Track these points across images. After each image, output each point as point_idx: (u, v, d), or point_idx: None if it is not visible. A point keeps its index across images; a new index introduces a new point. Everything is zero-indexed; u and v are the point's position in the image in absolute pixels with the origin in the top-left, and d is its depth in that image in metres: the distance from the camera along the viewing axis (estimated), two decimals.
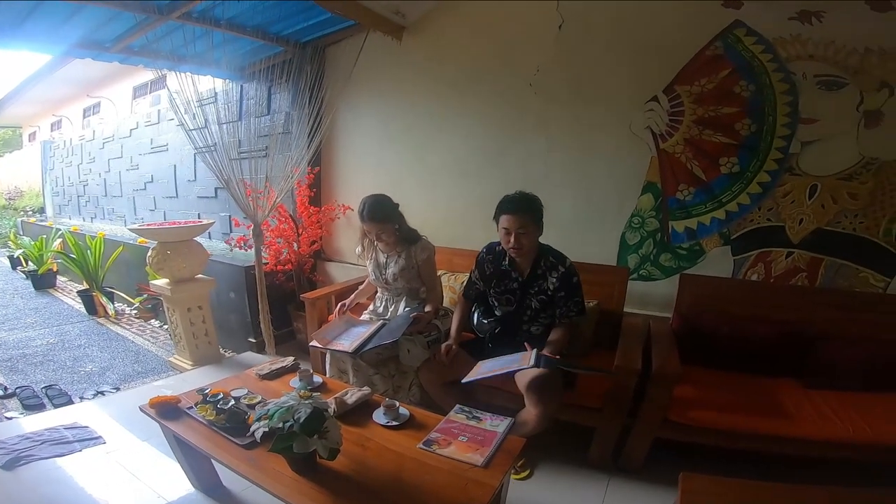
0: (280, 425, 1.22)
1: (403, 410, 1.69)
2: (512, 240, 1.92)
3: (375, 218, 2.23)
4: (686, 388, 1.91)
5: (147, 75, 6.49)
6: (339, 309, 2.46)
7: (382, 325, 2.26)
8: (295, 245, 3.38)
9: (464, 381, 1.85)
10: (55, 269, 6.20)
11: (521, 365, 1.75)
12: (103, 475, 1.97)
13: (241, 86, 3.98)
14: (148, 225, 3.35)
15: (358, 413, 1.69)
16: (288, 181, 3.14)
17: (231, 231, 4.07)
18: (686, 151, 2.40)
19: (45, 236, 6.21)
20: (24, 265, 6.65)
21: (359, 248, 2.51)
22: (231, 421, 1.53)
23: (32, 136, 11.27)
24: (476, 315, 2.26)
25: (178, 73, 2.97)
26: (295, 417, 1.22)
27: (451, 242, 2.91)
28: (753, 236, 2.35)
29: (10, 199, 10.97)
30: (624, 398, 1.90)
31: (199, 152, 3.08)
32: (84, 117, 8.81)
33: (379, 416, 1.66)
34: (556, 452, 2.11)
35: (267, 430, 1.25)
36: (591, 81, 2.57)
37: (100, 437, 2.19)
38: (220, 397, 1.64)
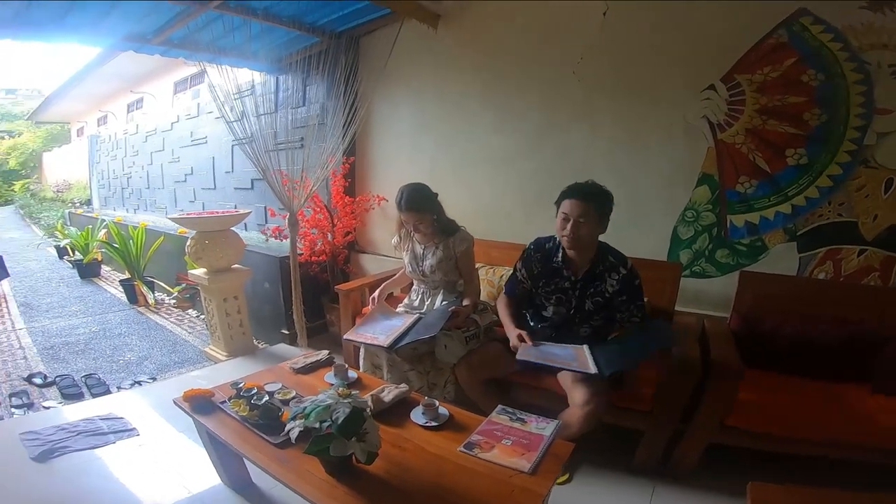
0: (316, 425, 1.16)
1: (443, 410, 1.60)
2: (568, 227, 1.77)
3: (413, 207, 2.16)
4: (746, 392, 1.76)
5: (187, 71, 6.67)
6: (373, 298, 2.41)
7: (418, 320, 2.18)
8: (329, 236, 3.35)
9: (519, 356, 1.79)
10: (100, 259, 6.42)
11: (577, 365, 1.69)
12: (135, 467, 1.97)
13: (277, 78, 3.99)
14: (188, 214, 3.39)
15: (395, 412, 1.61)
16: (323, 171, 3.12)
17: (266, 221, 4.10)
18: (748, 142, 2.22)
19: (90, 227, 6.43)
20: (71, 255, 6.92)
21: (395, 239, 2.44)
22: (264, 417, 1.48)
23: (80, 132, 11.77)
24: (527, 318, 2.12)
25: (217, 65, 3.01)
26: (333, 418, 1.15)
27: (489, 235, 2.81)
28: (822, 232, 2.15)
29: (58, 191, 11.48)
30: (678, 400, 1.77)
31: (238, 143, 3.11)
32: (128, 112, 9.13)
33: (417, 415, 1.58)
34: (598, 455, 1.99)
35: (302, 429, 1.19)
36: (639, 69, 2.42)
37: (134, 428, 2.20)
38: (253, 392, 1.59)
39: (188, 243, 3.18)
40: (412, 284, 2.48)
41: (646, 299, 2.16)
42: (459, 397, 2.10)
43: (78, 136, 11.95)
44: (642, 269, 2.18)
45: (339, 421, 1.15)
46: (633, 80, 2.44)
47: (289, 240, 2.99)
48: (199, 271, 3.17)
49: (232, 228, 3.25)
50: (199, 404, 1.65)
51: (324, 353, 2.06)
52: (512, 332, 1.95)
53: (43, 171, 14.03)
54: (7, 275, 5.58)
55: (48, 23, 2.87)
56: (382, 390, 1.68)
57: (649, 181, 2.44)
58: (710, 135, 2.29)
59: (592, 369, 1.65)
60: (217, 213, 3.35)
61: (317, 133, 3.33)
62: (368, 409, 1.24)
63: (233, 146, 4.62)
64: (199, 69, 5.13)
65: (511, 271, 2.14)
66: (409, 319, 2.18)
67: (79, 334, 3.97)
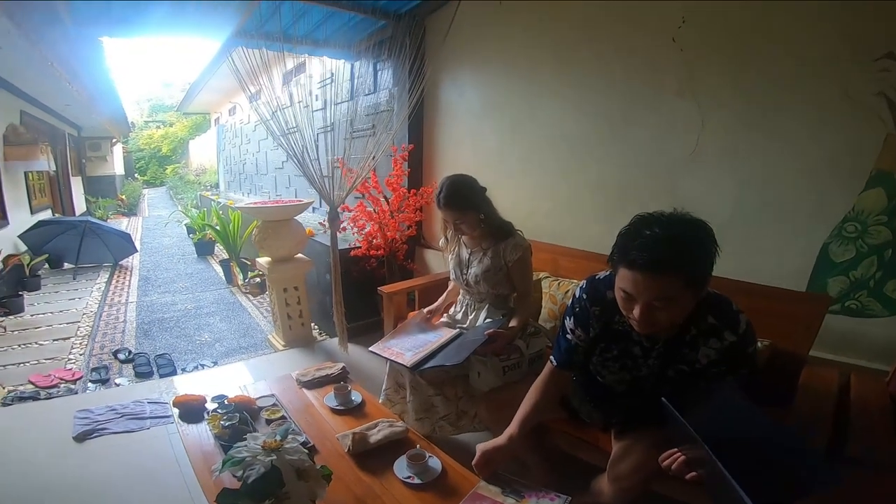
0: (238, 473, 0.90)
1: (434, 462, 1.29)
2: (636, 313, 1.07)
3: (454, 204, 1.81)
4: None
5: (290, 63, 6.94)
6: (417, 313, 2.12)
7: (456, 337, 1.84)
8: (386, 230, 3.12)
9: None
10: (213, 239, 7.01)
11: None
12: (152, 456, 1.94)
13: (352, 65, 3.88)
14: (254, 203, 3.40)
15: (382, 455, 1.33)
16: (386, 160, 2.91)
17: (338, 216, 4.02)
18: None
19: (206, 209, 7.04)
20: (196, 234, 7.70)
21: (442, 240, 2.11)
22: (233, 440, 1.26)
23: (216, 121, 13.14)
24: (576, 398, 1.48)
25: (294, 55, 2.94)
26: (244, 475, 0.89)
27: (557, 238, 2.34)
28: None
29: (196, 175, 13.00)
30: None
31: (322, 132, 3.08)
32: (250, 103, 9.88)
33: (401, 466, 1.28)
34: None
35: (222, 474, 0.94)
36: (768, 31, 1.75)
37: (170, 415, 2.16)
38: (230, 409, 1.40)
39: (254, 231, 3.18)
40: (460, 292, 2.13)
41: (768, 341, 1.58)
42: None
43: (215, 125, 13.39)
44: (767, 300, 1.60)
45: (250, 480, 0.89)
46: (757, 48, 1.77)
47: (329, 233, 2.81)
48: (263, 259, 3.16)
49: (296, 218, 3.19)
50: (189, 411, 1.52)
51: (338, 366, 1.83)
52: (500, 439, 1.27)
53: (189, 157, 16.06)
54: (135, 250, 6.35)
55: (167, 20, 2.99)
56: (373, 426, 1.41)
57: (787, 179, 1.76)
58: (891, 118, 1.56)
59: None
60: (280, 202, 3.30)
61: (383, 120, 3.14)
62: (297, 468, 0.93)
63: (317, 135, 4.65)
64: (297, 62, 5.37)
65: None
66: (445, 336, 1.85)
67: (175, 311, 4.27)
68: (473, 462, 1.25)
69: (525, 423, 1.29)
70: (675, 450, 1.06)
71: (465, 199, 1.82)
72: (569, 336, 1.34)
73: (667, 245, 0.99)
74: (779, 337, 1.60)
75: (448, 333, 1.87)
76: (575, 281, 2.11)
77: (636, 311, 1.07)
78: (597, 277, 1.29)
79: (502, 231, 1.89)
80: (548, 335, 1.90)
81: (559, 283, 2.14)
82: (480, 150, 2.88)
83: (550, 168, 2.50)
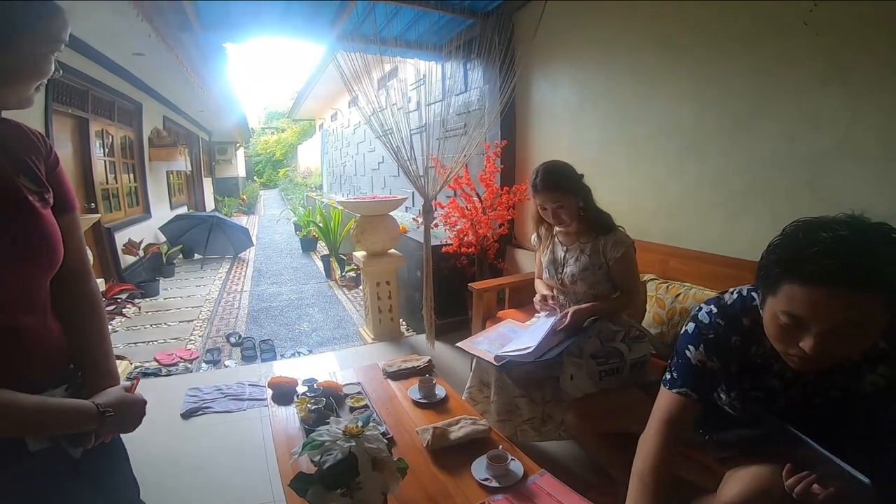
0: (316, 458, 0.89)
1: (516, 466, 1.18)
2: (808, 344, 0.80)
3: (553, 186, 1.69)
4: None
5: (385, 67, 7.23)
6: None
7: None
8: (478, 227, 3.07)
9: None
10: (316, 236, 7.51)
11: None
12: (245, 436, 2.05)
13: (442, 65, 3.90)
14: (352, 198, 3.53)
15: (460, 454, 1.25)
16: (479, 158, 2.87)
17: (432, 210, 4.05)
18: None
19: (311, 208, 7.56)
20: (301, 231, 8.32)
21: (534, 237, 2.00)
22: (316, 424, 1.28)
23: (320, 127, 14.15)
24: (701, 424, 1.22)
25: (384, 58, 3.03)
26: (321, 460, 0.87)
27: (667, 238, 2.11)
28: None
29: (303, 177, 14.08)
30: None
31: (415, 132, 3.14)
32: (349, 108, 10.48)
33: (479, 467, 1.19)
34: None
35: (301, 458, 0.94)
36: None
37: (265, 398, 2.30)
38: (318, 392, 1.43)
39: (353, 226, 3.30)
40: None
41: None
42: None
43: (319, 130, 14.41)
44: None
45: (325, 466, 0.86)
46: None
47: (422, 227, 2.83)
48: (359, 253, 3.27)
49: (390, 214, 3.26)
50: (281, 393, 1.59)
51: (424, 359, 1.80)
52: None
53: (298, 161, 17.46)
54: (252, 244, 6.98)
55: (277, 23, 3.23)
56: (455, 422, 1.34)
57: None
58: None
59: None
60: (376, 197, 3.39)
61: (475, 118, 3.10)
62: (374, 458, 0.89)
63: (411, 135, 4.76)
64: (391, 66, 5.57)
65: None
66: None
67: (280, 300, 4.62)
68: None
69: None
70: (806, 472, 0.87)
71: (563, 182, 1.70)
72: (701, 366, 1.03)
73: (862, 250, 0.74)
74: None
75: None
76: (687, 284, 1.88)
77: (807, 343, 0.80)
78: (725, 302, 1.03)
79: (602, 225, 1.74)
80: (652, 341, 1.71)
81: (668, 286, 1.92)
82: (579, 146, 2.70)
83: (659, 163, 2.25)
